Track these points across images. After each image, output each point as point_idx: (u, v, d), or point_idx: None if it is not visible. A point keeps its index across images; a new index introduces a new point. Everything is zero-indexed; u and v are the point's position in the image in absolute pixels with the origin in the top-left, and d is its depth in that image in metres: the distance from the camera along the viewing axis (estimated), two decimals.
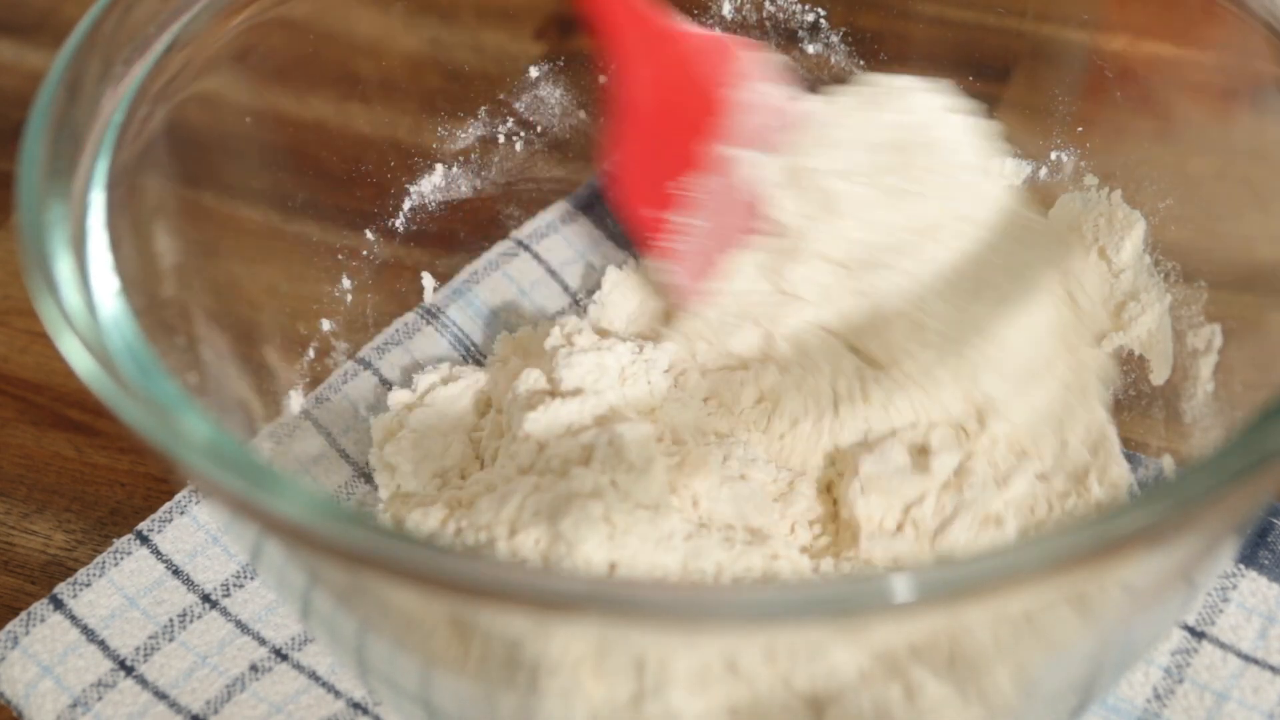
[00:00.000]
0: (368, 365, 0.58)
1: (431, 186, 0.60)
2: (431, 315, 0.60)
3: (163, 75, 0.45)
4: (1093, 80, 0.54)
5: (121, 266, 0.40)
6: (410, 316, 0.60)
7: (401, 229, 0.60)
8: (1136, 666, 0.49)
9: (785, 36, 0.61)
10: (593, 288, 0.60)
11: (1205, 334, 0.51)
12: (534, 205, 0.63)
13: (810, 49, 0.60)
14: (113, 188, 0.42)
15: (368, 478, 0.55)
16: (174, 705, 0.50)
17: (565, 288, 0.61)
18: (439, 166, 0.60)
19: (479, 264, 0.61)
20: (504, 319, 0.60)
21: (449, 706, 0.41)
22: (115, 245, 0.41)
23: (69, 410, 0.59)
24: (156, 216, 0.47)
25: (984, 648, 0.38)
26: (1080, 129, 0.56)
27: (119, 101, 0.43)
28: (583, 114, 0.63)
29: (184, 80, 0.46)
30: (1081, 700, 0.42)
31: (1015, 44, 0.57)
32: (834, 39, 0.60)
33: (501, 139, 0.62)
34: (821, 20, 0.60)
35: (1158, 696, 0.49)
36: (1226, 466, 0.34)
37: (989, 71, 0.58)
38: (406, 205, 0.60)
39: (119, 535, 0.54)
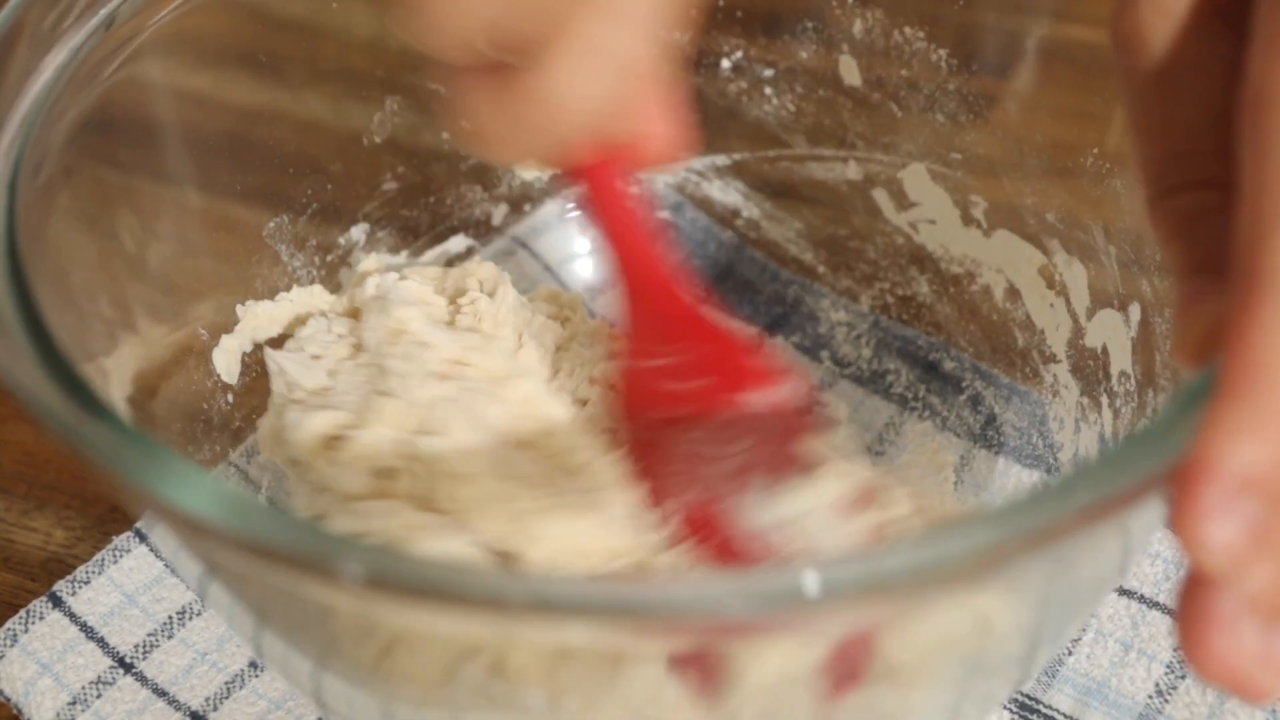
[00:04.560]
0: None
1: (394, 177, 0.60)
2: None
3: (95, 56, 0.44)
4: (1094, 92, 0.54)
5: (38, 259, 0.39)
6: None
7: (374, 221, 0.59)
8: (1138, 663, 0.49)
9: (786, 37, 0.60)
10: (592, 285, 0.60)
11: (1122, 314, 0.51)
12: (510, 197, 0.62)
13: (812, 48, 0.60)
14: (35, 171, 0.41)
15: None
16: (173, 702, 0.50)
17: (564, 287, 0.61)
18: (401, 158, 0.60)
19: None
20: None
21: None
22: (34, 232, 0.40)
23: None
24: (86, 200, 0.46)
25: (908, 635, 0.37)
26: (1084, 141, 0.55)
27: (45, 83, 0.43)
28: None
29: (117, 62, 0.46)
30: (1023, 672, 0.42)
31: (1016, 43, 0.57)
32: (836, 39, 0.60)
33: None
34: (822, 28, 0.60)
35: (1160, 693, 0.48)
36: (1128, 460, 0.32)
37: (989, 70, 0.57)
38: (374, 200, 0.59)
39: (119, 532, 0.54)
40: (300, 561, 0.30)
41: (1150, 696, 0.49)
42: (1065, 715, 0.49)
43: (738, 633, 0.32)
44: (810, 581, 0.29)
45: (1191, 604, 0.30)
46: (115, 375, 0.44)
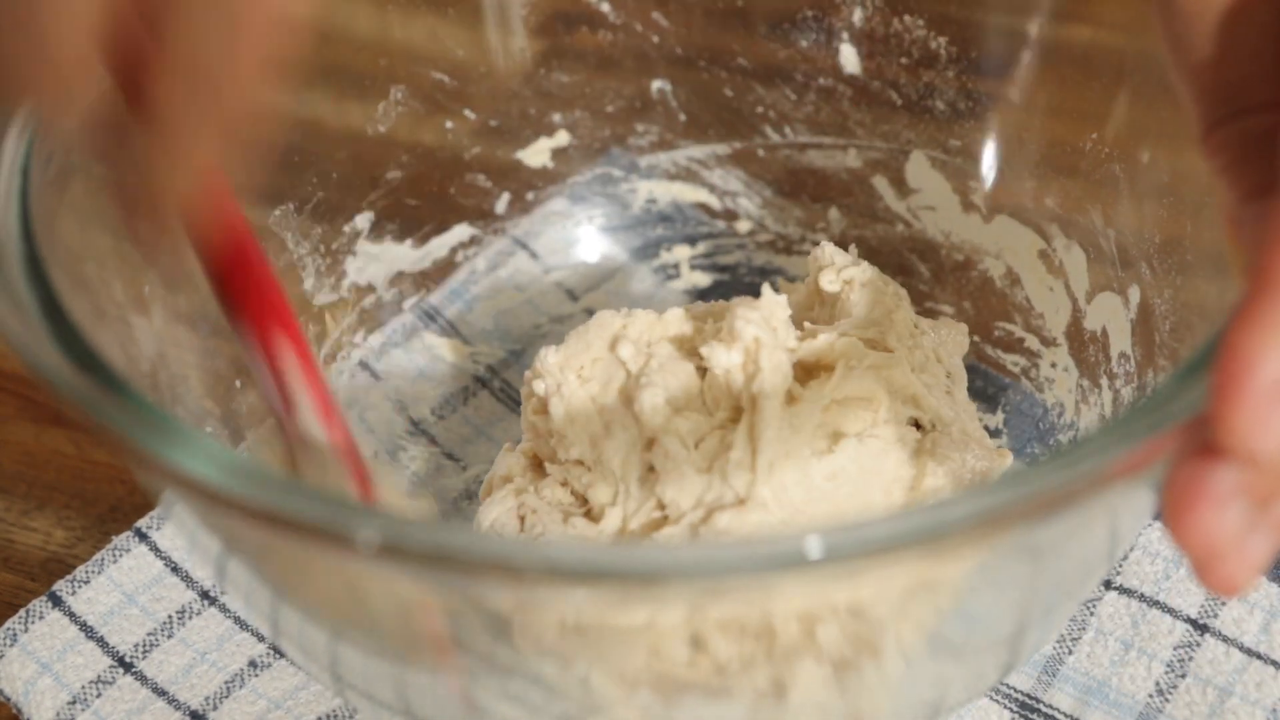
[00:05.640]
0: (367, 367, 0.58)
1: (397, 166, 0.60)
2: (430, 318, 0.60)
3: None
4: (1094, 77, 0.55)
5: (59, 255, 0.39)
6: (408, 318, 0.60)
7: (379, 210, 0.60)
8: (1138, 662, 0.49)
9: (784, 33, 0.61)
10: (592, 286, 0.60)
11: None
12: (513, 186, 0.63)
13: (809, 46, 0.60)
14: (46, 161, 0.41)
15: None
16: (173, 701, 0.49)
17: (563, 287, 0.61)
18: (404, 147, 0.60)
19: (478, 264, 0.61)
20: (502, 320, 0.60)
21: (428, 710, 0.41)
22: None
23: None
24: (96, 191, 0.46)
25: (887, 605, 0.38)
26: (1083, 127, 0.56)
27: None
28: (578, 112, 0.63)
29: None
30: (1012, 654, 0.43)
31: (1016, 30, 0.58)
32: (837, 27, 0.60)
33: (492, 126, 0.62)
34: (822, 17, 0.60)
35: (1160, 692, 0.48)
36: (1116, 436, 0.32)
37: (989, 57, 0.58)
38: (378, 189, 0.60)
39: (118, 532, 0.54)
40: (317, 530, 0.30)
41: (1151, 695, 0.48)
42: (1066, 714, 0.48)
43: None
44: (813, 546, 0.30)
45: (1186, 472, 0.31)
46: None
